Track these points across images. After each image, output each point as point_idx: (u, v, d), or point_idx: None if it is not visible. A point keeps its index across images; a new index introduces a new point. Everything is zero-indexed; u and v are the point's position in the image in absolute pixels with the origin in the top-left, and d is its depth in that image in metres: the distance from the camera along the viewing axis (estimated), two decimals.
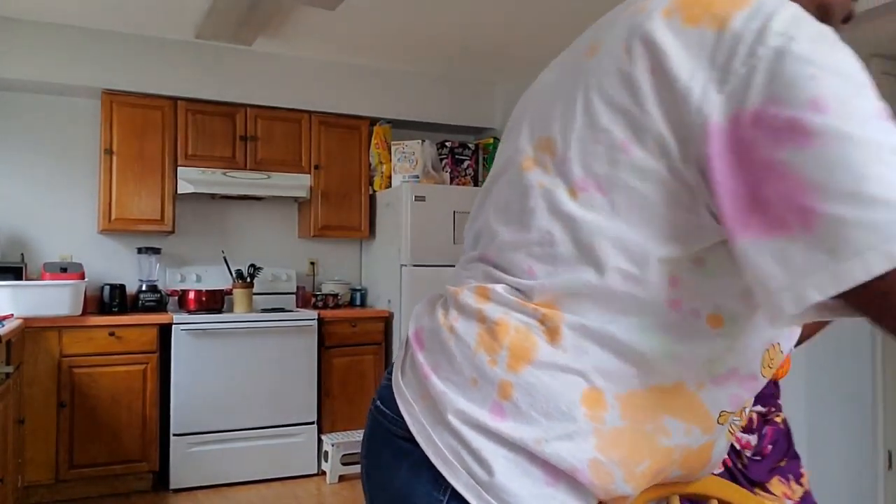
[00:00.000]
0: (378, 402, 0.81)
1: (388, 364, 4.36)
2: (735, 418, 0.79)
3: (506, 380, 0.70)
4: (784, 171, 0.56)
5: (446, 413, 0.71)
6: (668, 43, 0.63)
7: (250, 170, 4.30)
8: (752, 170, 0.58)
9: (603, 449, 0.68)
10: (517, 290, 0.73)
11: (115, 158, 4.00)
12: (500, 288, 0.73)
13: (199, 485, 3.81)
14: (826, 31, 0.59)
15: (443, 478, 0.70)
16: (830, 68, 0.57)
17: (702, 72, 0.61)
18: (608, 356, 0.68)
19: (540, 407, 0.68)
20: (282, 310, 4.33)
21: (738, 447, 1.49)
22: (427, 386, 0.74)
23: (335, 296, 4.50)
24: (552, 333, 0.69)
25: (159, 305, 4.11)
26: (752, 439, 1.48)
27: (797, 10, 0.60)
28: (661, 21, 0.64)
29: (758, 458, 1.49)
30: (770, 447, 1.51)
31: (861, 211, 0.53)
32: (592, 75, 0.69)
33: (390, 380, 0.81)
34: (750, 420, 1.47)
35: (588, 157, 0.68)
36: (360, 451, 0.86)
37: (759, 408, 1.51)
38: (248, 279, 4.21)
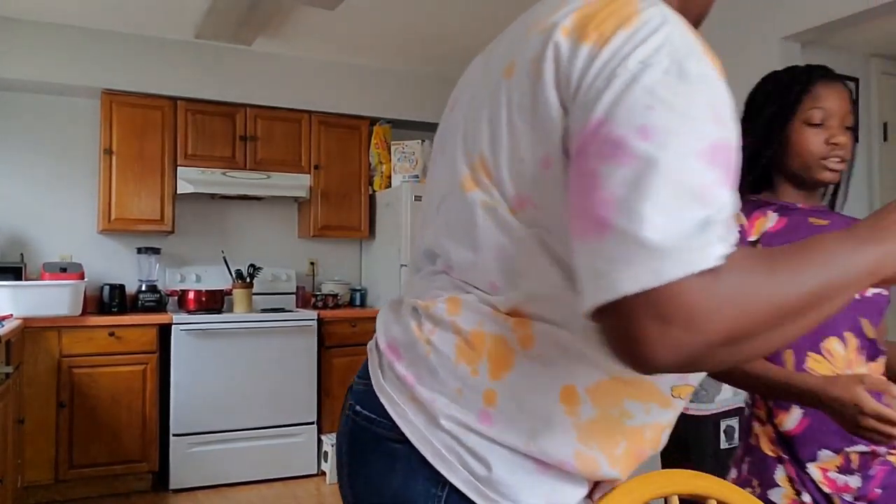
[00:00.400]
0: (358, 407, 0.82)
1: None
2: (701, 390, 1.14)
3: (490, 388, 0.73)
4: (599, 182, 0.60)
5: (439, 418, 0.74)
6: (566, 60, 0.67)
7: (250, 170, 4.30)
8: (583, 176, 0.63)
9: (583, 440, 0.73)
10: (485, 301, 0.76)
11: (114, 158, 4.00)
12: (470, 298, 0.76)
13: (198, 485, 3.81)
14: (683, 64, 0.62)
15: (440, 475, 0.73)
16: (668, 103, 0.60)
17: (578, 84, 0.65)
18: (573, 356, 0.72)
19: (524, 410, 0.72)
20: (282, 310, 4.33)
21: (826, 490, 1.25)
22: (414, 392, 0.76)
23: (335, 296, 4.50)
24: (524, 341, 0.72)
25: (159, 305, 4.11)
26: (852, 481, 1.25)
27: (668, 37, 0.64)
28: (562, 39, 0.68)
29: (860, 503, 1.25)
30: (880, 492, 1.25)
31: (641, 231, 0.57)
32: (514, 95, 0.72)
33: (368, 384, 0.82)
34: (847, 459, 1.25)
35: (518, 177, 0.72)
36: (337, 458, 0.86)
37: (861, 447, 1.25)
38: (248, 279, 4.20)
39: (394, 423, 0.76)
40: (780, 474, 1.28)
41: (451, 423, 0.74)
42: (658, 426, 0.78)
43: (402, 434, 0.75)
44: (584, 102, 0.64)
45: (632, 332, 0.57)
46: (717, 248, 0.57)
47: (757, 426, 1.34)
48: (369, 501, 0.78)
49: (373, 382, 0.81)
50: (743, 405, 3.14)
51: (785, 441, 1.29)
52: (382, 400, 0.79)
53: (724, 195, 0.60)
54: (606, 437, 0.74)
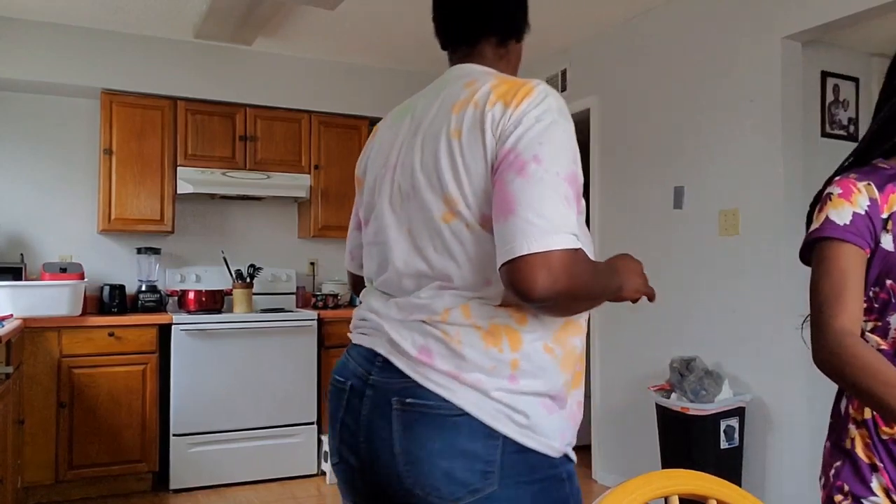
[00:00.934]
0: (409, 399, 1.06)
1: None
2: None
3: (514, 358, 1.06)
4: (508, 187, 1.01)
5: (489, 392, 1.04)
6: (498, 118, 1.06)
7: (250, 170, 4.30)
8: (499, 183, 1.03)
9: (563, 372, 1.11)
10: (484, 299, 1.08)
11: (114, 158, 4.00)
12: (474, 303, 1.08)
13: (198, 485, 3.81)
14: (558, 120, 1.05)
15: (496, 431, 1.03)
16: (550, 143, 1.02)
17: (502, 130, 1.05)
18: (543, 322, 1.09)
19: (533, 365, 1.07)
20: (282, 310, 4.33)
21: None
22: (461, 380, 1.05)
23: (335, 296, 4.50)
24: (520, 320, 1.08)
25: (159, 306, 4.11)
26: None
27: (550, 103, 1.06)
28: (496, 108, 1.06)
29: None
30: None
31: (534, 218, 0.97)
32: (468, 149, 1.08)
33: (409, 382, 1.07)
34: None
35: (481, 202, 1.07)
36: (382, 449, 1.08)
37: None
38: (248, 279, 4.20)
39: (452, 404, 1.03)
40: (876, 483, 1.17)
41: (497, 392, 1.05)
42: (584, 350, 1.17)
43: (462, 409, 1.03)
44: (502, 139, 1.04)
45: (527, 276, 0.96)
46: (574, 241, 0.99)
47: (853, 429, 1.21)
48: (437, 460, 1.03)
49: (419, 381, 1.06)
50: (744, 405, 3.14)
51: (886, 447, 1.17)
52: (439, 391, 1.04)
53: (576, 206, 1.03)
54: (571, 365, 1.12)
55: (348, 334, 1.25)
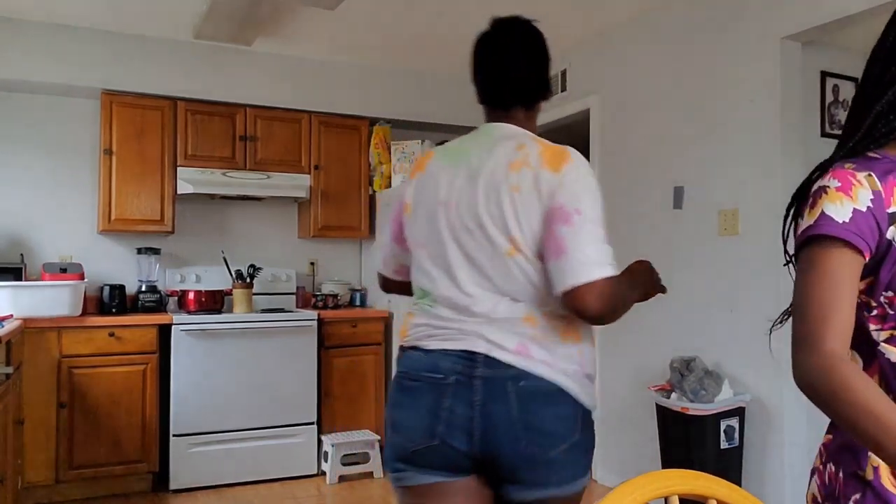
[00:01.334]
0: (522, 382, 1.39)
1: (388, 364, 4.37)
2: None
3: (578, 349, 1.46)
4: (559, 234, 1.37)
5: (570, 373, 1.43)
6: (547, 181, 1.41)
7: (250, 170, 4.30)
8: (550, 230, 1.38)
9: (595, 360, 1.52)
10: (549, 309, 1.45)
11: (114, 159, 4.00)
12: (545, 313, 1.45)
13: (198, 485, 3.81)
14: (588, 179, 1.42)
15: (577, 399, 1.43)
16: (586, 196, 1.39)
17: (550, 190, 1.40)
18: (578, 325, 1.48)
19: (586, 355, 1.48)
20: (282, 310, 4.33)
21: None
22: (553, 366, 1.42)
23: (335, 296, 4.50)
24: (575, 324, 1.47)
25: (159, 306, 4.11)
26: None
27: (581, 166, 1.43)
28: (545, 172, 1.42)
29: None
30: None
31: (582, 255, 1.34)
32: (526, 203, 1.41)
33: (520, 370, 1.40)
34: None
35: (537, 244, 1.42)
36: (505, 414, 1.39)
37: None
38: (248, 279, 4.21)
39: (552, 382, 1.40)
40: None
41: (574, 373, 1.44)
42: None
43: (558, 385, 1.41)
44: (552, 197, 1.39)
45: (581, 301, 1.35)
46: (612, 269, 1.37)
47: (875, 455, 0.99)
48: (547, 423, 1.40)
49: (525, 368, 1.40)
50: (744, 405, 3.13)
51: None
52: (542, 373, 1.40)
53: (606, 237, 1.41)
54: (592, 352, 1.52)
55: (420, 343, 1.50)
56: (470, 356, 1.41)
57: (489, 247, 1.44)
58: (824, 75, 3.28)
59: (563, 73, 4.32)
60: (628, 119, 3.81)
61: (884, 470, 1.01)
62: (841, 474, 1.05)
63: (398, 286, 1.74)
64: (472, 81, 1.63)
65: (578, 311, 1.36)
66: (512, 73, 1.57)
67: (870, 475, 1.02)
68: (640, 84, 3.72)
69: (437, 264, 1.50)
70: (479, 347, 1.41)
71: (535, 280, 1.43)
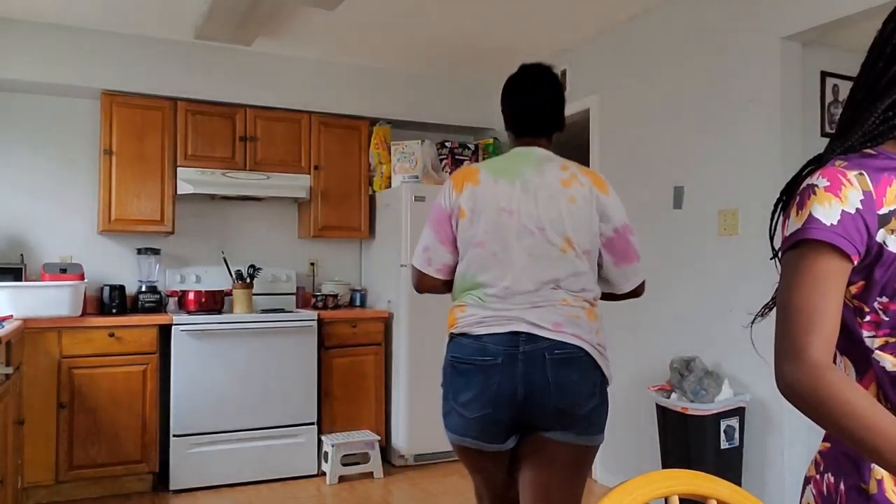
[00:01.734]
0: (557, 351, 1.76)
1: (388, 364, 4.37)
2: None
3: (598, 327, 1.84)
4: (630, 244, 1.93)
5: (594, 344, 1.81)
6: (598, 200, 1.89)
7: (250, 170, 4.30)
8: (624, 241, 1.92)
9: (601, 334, 1.89)
10: (579, 295, 1.84)
11: (114, 159, 4.00)
12: (576, 298, 1.83)
13: (198, 486, 3.81)
14: (619, 200, 1.95)
15: (601, 370, 1.82)
16: (624, 211, 1.94)
17: (602, 211, 1.90)
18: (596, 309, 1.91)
19: (602, 331, 1.86)
20: (282, 310, 4.33)
21: None
22: (581, 338, 1.78)
23: (335, 296, 4.50)
24: (595, 306, 1.87)
25: (159, 306, 4.11)
26: None
27: (613, 191, 1.94)
28: (596, 192, 1.88)
29: None
30: None
31: (639, 263, 1.95)
32: (580, 213, 1.84)
33: (553, 341, 1.77)
34: None
35: (584, 244, 1.85)
36: (539, 374, 1.76)
37: None
38: (248, 280, 4.21)
39: (583, 349, 1.78)
40: None
41: (598, 345, 1.82)
42: None
43: (588, 353, 1.79)
44: (602, 213, 1.88)
45: (642, 289, 1.98)
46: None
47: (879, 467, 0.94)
48: (574, 385, 1.76)
49: (559, 339, 1.77)
50: (744, 405, 3.12)
51: None
52: (576, 343, 1.77)
53: None
54: (604, 331, 1.89)
55: (473, 330, 1.82)
56: (514, 336, 1.78)
57: (547, 245, 1.83)
58: (824, 75, 3.28)
59: (563, 74, 4.32)
60: (628, 119, 3.81)
61: (888, 482, 0.97)
62: (842, 486, 1.01)
63: (433, 284, 1.98)
64: (504, 113, 2.03)
65: (637, 295, 1.99)
66: (542, 110, 1.96)
67: (873, 489, 0.98)
68: (640, 84, 3.72)
69: (497, 260, 1.84)
70: (522, 328, 1.78)
71: (580, 271, 1.84)
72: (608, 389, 1.85)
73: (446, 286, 1.98)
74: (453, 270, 1.94)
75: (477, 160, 4.83)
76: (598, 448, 1.85)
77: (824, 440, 1.08)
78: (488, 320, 1.81)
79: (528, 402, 1.76)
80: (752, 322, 1.24)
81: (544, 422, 1.77)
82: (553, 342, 1.76)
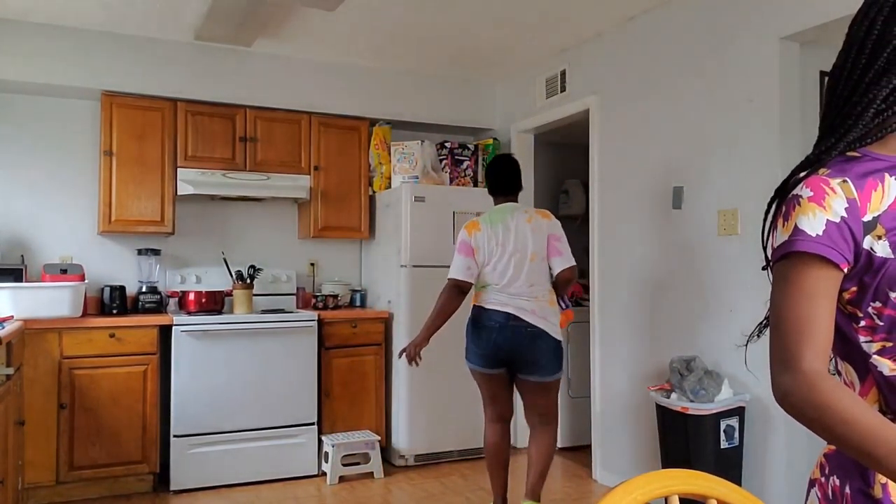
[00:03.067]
0: (529, 329, 3.05)
1: (388, 364, 4.37)
2: None
3: (555, 310, 3.18)
4: (559, 247, 3.18)
5: (553, 323, 3.13)
6: (547, 226, 3.23)
7: (250, 171, 4.31)
8: (559, 245, 3.19)
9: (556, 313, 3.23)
10: (544, 290, 3.15)
11: (114, 160, 4.01)
12: (545, 293, 3.15)
13: (199, 486, 3.81)
14: (559, 225, 3.25)
15: (555, 338, 3.11)
16: (562, 231, 3.22)
17: (548, 229, 3.24)
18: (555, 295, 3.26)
19: (557, 314, 3.21)
20: (282, 311, 4.34)
21: None
22: (546, 321, 3.09)
23: (335, 296, 4.50)
24: (550, 294, 3.18)
25: (159, 307, 4.11)
26: None
27: (555, 218, 3.27)
28: (544, 221, 3.22)
29: None
30: None
31: (567, 255, 3.18)
32: (538, 237, 3.15)
33: (526, 323, 3.05)
34: None
35: (542, 255, 3.16)
36: (501, 348, 3.09)
37: None
38: (248, 280, 4.21)
39: (544, 330, 3.07)
40: None
41: (555, 323, 3.12)
42: None
43: (546, 331, 3.07)
44: (550, 231, 3.18)
45: (572, 273, 3.17)
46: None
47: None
48: (539, 349, 3.06)
49: (532, 322, 3.04)
50: (743, 405, 3.13)
51: None
52: (541, 326, 3.06)
53: None
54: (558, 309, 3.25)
55: (486, 305, 3.11)
56: (507, 315, 3.07)
57: (524, 259, 3.10)
58: (823, 75, 3.28)
59: (563, 74, 4.33)
60: (628, 119, 3.81)
61: (893, 486, 0.96)
62: (847, 489, 1.00)
63: (463, 288, 3.17)
64: (488, 183, 3.33)
65: (568, 279, 3.16)
66: (511, 182, 3.30)
67: (878, 493, 0.97)
68: (640, 84, 3.73)
69: (498, 272, 3.13)
70: (510, 310, 3.07)
71: (544, 273, 3.14)
72: (560, 345, 3.12)
73: (471, 286, 3.20)
74: (476, 278, 3.19)
75: (476, 160, 4.84)
76: (559, 380, 3.16)
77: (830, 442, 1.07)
78: (494, 303, 3.11)
79: (511, 353, 3.07)
80: (747, 342, 1.24)
81: (522, 367, 3.09)
82: (527, 324, 3.05)
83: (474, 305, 3.16)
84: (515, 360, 3.06)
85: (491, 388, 3.20)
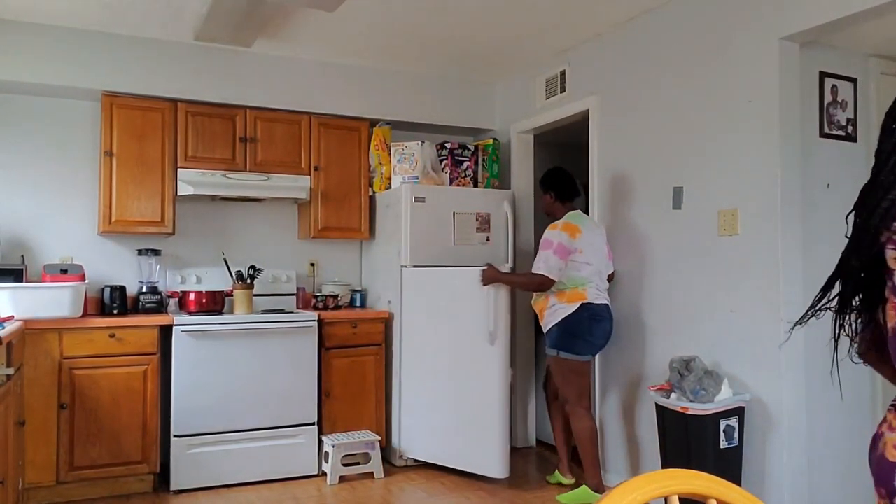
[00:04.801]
0: (613, 314, 3.73)
1: (388, 364, 4.37)
2: None
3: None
4: (610, 249, 3.80)
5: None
6: (603, 232, 3.85)
7: (250, 171, 4.31)
8: (610, 249, 3.78)
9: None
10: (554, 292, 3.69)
11: (115, 160, 4.01)
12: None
13: (199, 486, 3.81)
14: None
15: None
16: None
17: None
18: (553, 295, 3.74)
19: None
20: (282, 311, 4.34)
21: None
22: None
23: (335, 297, 4.50)
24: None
25: (159, 307, 4.11)
26: None
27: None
28: (603, 229, 3.86)
29: None
30: None
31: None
32: (605, 240, 3.77)
33: (611, 312, 3.69)
34: None
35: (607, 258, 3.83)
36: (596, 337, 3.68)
37: None
38: (249, 280, 4.21)
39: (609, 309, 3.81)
40: None
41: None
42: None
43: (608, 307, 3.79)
44: (605, 237, 3.81)
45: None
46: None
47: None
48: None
49: (610, 307, 3.71)
50: (743, 405, 3.14)
51: None
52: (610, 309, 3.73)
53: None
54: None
55: (595, 301, 3.58)
56: (607, 306, 3.61)
57: (604, 257, 3.68)
58: (822, 76, 3.28)
59: (563, 74, 4.33)
60: (628, 119, 3.81)
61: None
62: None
63: (548, 286, 3.58)
64: (561, 189, 3.80)
65: (611, 279, 3.78)
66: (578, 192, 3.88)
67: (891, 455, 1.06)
68: (640, 84, 3.73)
69: (597, 270, 3.61)
70: (607, 301, 3.62)
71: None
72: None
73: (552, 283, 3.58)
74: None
75: (476, 161, 4.84)
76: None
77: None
78: (600, 298, 3.57)
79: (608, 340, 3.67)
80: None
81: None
82: (610, 309, 3.64)
83: (582, 304, 3.51)
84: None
85: (589, 376, 3.66)
